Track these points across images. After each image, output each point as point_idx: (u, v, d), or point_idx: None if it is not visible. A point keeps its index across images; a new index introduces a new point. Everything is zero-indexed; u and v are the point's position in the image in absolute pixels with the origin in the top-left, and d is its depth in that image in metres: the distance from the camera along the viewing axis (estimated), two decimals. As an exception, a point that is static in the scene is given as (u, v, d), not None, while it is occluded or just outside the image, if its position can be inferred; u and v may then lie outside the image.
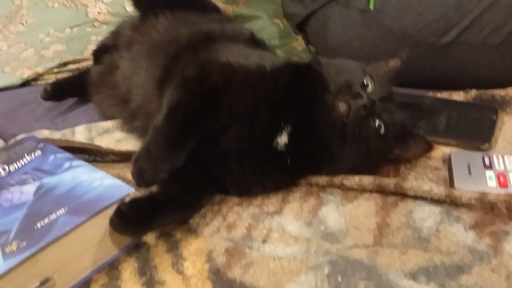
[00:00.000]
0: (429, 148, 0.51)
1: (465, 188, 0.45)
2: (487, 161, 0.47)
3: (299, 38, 0.85)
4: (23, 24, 1.05)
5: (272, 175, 0.50)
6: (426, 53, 0.65)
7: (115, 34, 0.78)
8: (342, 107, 0.46)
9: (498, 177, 0.45)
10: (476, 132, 0.53)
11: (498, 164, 0.47)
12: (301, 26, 0.83)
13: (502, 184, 0.45)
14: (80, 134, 0.66)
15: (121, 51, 0.69)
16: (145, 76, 0.61)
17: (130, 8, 1.04)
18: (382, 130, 0.48)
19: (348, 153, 0.47)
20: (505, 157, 0.47)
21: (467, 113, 0.56)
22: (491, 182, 0.45)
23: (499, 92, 0.59)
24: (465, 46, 0.62)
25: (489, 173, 0.46)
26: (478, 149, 0.51)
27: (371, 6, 0.68)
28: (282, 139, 0.49)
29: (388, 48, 0.67)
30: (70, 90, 0.76)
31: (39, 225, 0.42)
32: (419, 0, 0.64)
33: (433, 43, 0.64)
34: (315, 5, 0.76)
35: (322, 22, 0.76)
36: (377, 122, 0.48)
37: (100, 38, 0.95)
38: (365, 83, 0.48)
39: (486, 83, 0.62)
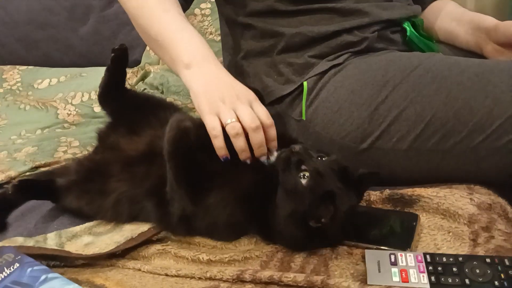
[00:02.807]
0: None
1: (376, 283, 0.55)
2: (392, 258, 0.58)
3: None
4: (-5, 126, 1.14)
5: None
6: (349, 156, 0.77)
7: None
8: None
9: (401, 273, 0.56)
10: (398, 238, 0.64)
11: (401, 261, 0.58)
12: None
13: (404, 279, 0.55)
14: (51, 240, 0.73)
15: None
16: None
17: (98, 109, 1.16)
18: (305, 180, 0.64)
19: None
20: (407, 254, 0.58)
21: (390, 220, 0.67)
22: (395, 277, 0.56)
23: (407, 192, 0.72)
24: (379, 151, 0.76)
25: (394, 270, 0.56)
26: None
27: (303, 117, 0.82)
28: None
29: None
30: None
31: None
32: (340, 113, 0.78)
33: (354, 148, 0.77)
34: None
35: None
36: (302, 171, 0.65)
37: (69, 139, 1.05)
38: None
39: (402, 182, 0.75)
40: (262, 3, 0.83)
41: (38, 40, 1.34)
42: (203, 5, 1.31)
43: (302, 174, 0.64)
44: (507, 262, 0.56)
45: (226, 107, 0.67)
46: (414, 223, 0.65)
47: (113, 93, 0.85)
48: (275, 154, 0.69)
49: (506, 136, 0.68)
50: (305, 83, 0.81)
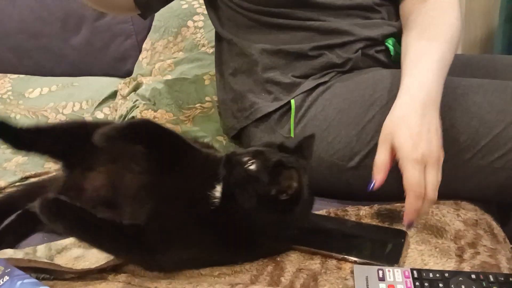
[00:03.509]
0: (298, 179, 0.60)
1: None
2: (380, 274, 0.59)
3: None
4: (-15, 135, 1.13)
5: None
6: (338, 173, 0.79)
7: None
8: None
9: (388, 288, 0.57)
10: (386, 254, 0.65)
11: (389, 277, 0.59)
12: (238, 139, 0.96)
13: (392, 294, 0.57)
14: (41, 252, 0.73)
15: None
16: None
17: (88, 119, 1.15)
18: (253, 166, 0.60)
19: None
20: (395, 270, 0.59)
21: (379, 236, 0.69)
22: (383, 293, 0.57)
23: (395, 207, 0.73)
24: (368, 169, 0.76)
25: (382, 285, 0.57)
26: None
27: (292, 134, 0.83)
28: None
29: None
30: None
31: None
32: (328, 132, 0.79)
33: (342, 166, 0.78)
34: (247, 121, 0.90)
35: (250, 138, 0.90)
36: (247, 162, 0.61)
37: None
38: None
39: (391, 198, 0.76)
40: (249, 17, 0.85)
41: (30, 50, 1.35)
42: (196, 17, 1.32)
43: (247, 162, 0.62)
44: (491, 278, 0.57)
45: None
46: (402, 240, 0.67)
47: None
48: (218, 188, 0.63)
49: (491, 155, 0.70)
50: (292, 101, 0.83)
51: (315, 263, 0.66)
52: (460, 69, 0.89)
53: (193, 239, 0.63)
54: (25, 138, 0.75)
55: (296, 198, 0.61)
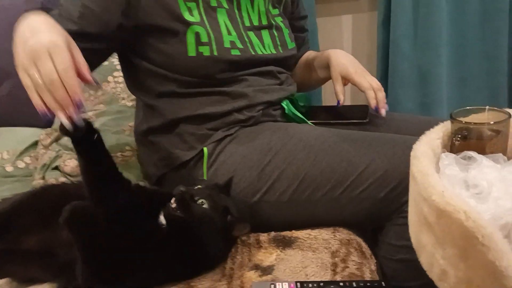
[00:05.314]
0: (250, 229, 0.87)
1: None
2: (272, 287, 0.75)
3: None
4: None
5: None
6: (243, 208, 0.95)
7: None
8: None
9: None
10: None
11: (276, 290, 0.75)
12: (158, 184, 1.09)
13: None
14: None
15: None
16: None
17: (10, 169, 1.20)
18: (206, 205, 0.80)
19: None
20: (283, 284, 0.75)
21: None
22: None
23: (287, 234, 0.91)
24: (267, 203, 0.94)
25: (270, 297, 0.73)
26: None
27: (205, 177, 0.98)
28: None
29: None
30: None
31: None
32: (235, 174, 0.95)
33: (246, 202, 0.94)
34: (166, 169, 1.04)
35: (170, 183, 1.04)
36: (198, 201, 0.81)
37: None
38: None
39: (285, 227, 0.94)
40: (167, 88, 1.01)
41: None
42: (116, 73, 1.45)
43: (200, 202, 0.82)
44: (354, 284, 0.76)
45: (30, 63, 0.68)
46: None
47: None
48: (162, 217, 0.81)
49: (358, 189, 0.90)
50: (205, 149, 0.99)
51: (222, 285, 0.80)
52: None
53: (147, 262, 0.78)
54: None
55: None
